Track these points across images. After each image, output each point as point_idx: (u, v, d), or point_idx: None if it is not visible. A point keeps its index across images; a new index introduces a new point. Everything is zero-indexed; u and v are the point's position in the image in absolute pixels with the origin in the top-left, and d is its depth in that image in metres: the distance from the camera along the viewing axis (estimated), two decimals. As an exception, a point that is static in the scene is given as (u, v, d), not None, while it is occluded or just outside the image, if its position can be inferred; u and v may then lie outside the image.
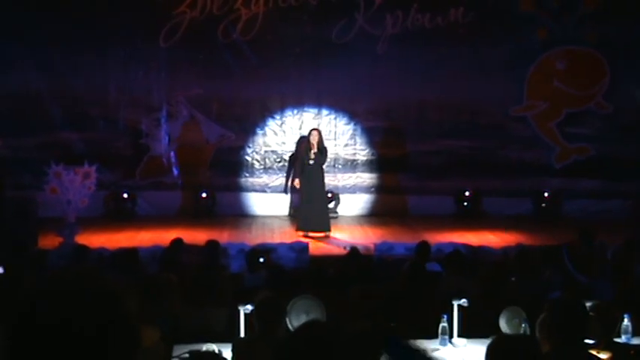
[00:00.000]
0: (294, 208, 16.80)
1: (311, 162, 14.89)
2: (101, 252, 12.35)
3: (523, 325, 6.70)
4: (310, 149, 14.89)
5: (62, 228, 13.66)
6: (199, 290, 8.78)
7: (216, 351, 6.49)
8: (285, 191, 17.36)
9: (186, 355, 6.55)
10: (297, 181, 15.48)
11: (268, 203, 17.43)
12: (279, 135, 17.60)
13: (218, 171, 17.43)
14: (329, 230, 15.14)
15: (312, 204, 14.99)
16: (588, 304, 5.86)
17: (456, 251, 11.02)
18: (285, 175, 17.46)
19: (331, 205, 16.79)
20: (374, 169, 17.76)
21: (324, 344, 3.42)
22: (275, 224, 16.50)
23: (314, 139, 14.89)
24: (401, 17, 17.26)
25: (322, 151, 14.97)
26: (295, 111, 17.58)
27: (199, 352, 6.45)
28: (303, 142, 15.66)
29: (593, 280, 10.14)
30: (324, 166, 15.22)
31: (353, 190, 17.66)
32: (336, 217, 16.68)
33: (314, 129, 15.31)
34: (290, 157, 17.37)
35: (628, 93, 17.50)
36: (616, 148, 17.47)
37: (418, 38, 17.23)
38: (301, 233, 14.95)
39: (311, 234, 14.86)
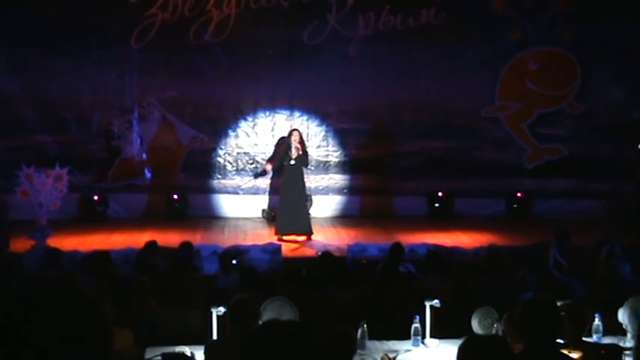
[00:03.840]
0: (272, 209, 16.67)
1: (292, 162, 14.78)
2: (73, 255, 12.26)
3: (495, 325, 6.73)
4: (290, 149, 14.79)
5: (34, 231, 13.56)
6: (173, 292, 8.78)
7: (189, 353, 6.50)
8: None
9: (159, 358, 6.55)
10: (268, 166, 15.62)
11: (241, 205, 17.35)
12: (251, 137, 17.56)
13: (190, 173, 17.36)
14: (311, 233, 14.99)
15: (292, 208, 14.85)
16: (559, 304, 5.89)
17: (433, 252, 11.07)
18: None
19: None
20: (346, 171, 17.73)
21: (295, 344, 3.42)
22: (248, 226, 16.43)
23: (295, 140, 14.81)
24: (373, 18, 17.24)
25: (304, 153, 14.94)
26: (268, 113, 17.53)
27: (171, 355, 6.45)
28: (283, 143, 15.58)
29: (568, 278, 10.21)
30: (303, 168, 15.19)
31: (326, 191, 17.65)
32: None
33: (294, 129, 15.30)
34: (269, 158, 17.20)
35: (600, 93, 17.56)
36: (588, 148, 17.50)
37: (390, 39, 17.21)
38: (277, 238, 14.75)
39: (286, 237, 14.69)
